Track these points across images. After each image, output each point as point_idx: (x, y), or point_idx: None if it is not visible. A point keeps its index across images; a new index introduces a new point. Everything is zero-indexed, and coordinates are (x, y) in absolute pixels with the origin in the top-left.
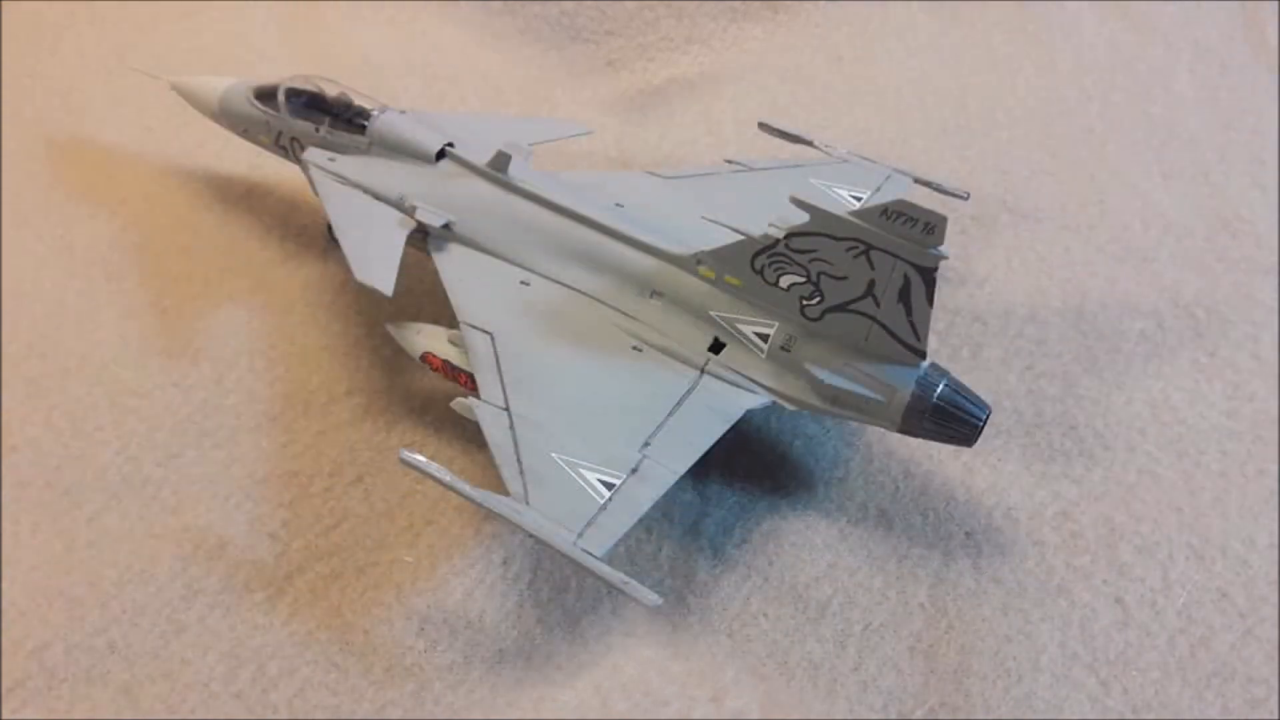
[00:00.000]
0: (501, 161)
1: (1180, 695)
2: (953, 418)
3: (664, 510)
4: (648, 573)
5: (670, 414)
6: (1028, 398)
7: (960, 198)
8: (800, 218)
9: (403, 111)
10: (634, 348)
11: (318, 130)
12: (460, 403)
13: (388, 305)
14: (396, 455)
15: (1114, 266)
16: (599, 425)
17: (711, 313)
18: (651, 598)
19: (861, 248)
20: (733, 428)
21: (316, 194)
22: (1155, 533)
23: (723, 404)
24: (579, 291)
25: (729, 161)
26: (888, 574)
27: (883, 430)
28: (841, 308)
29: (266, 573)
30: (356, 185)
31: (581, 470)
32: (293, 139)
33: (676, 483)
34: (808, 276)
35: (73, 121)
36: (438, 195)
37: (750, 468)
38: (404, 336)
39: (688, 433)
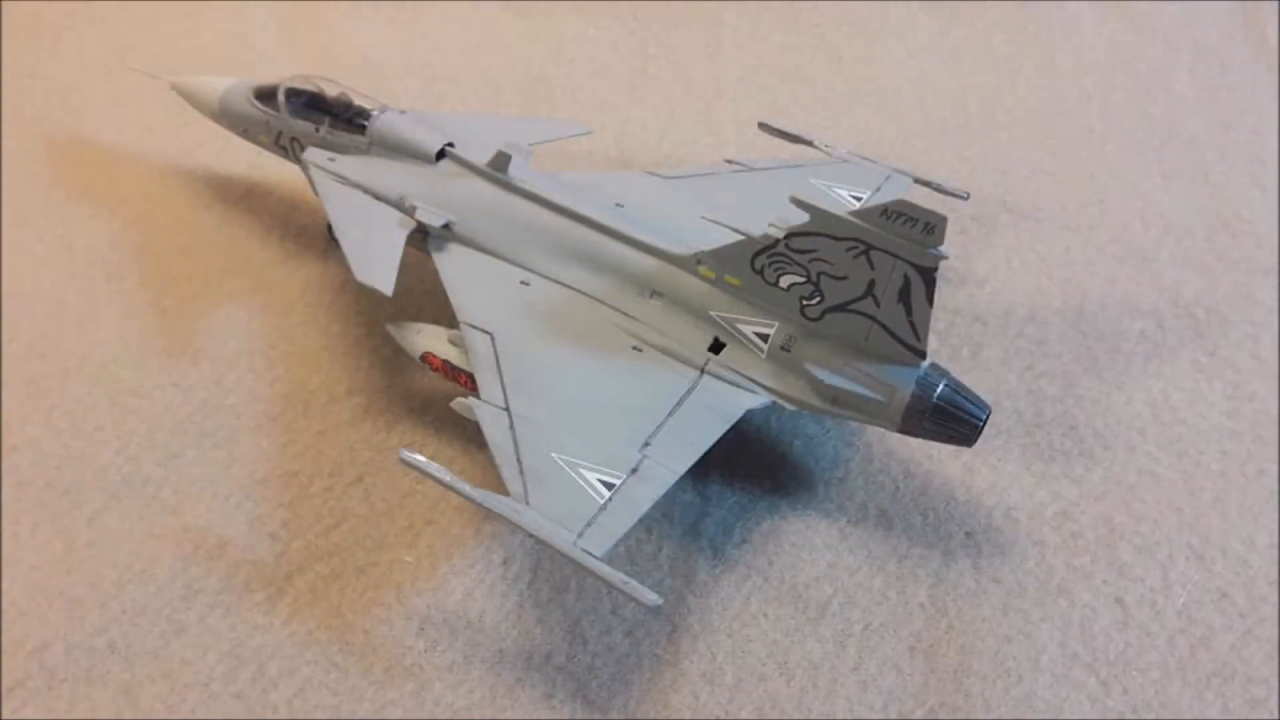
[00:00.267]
0: (501, 161)
1: (1180, 695)
2: (953, 418)
3: (664, 510)
4: (648, 573)
5: (670, 414)
6: (1028, 398)
7: (960, 198)
8: (800, 218)
9: (403, 111)
10: (634, 348)
11: (318, 130)
12: (460, 403)
13: (388, 305)
14: (396, 455)
15: (1114, 266)
16: (599, 425)
17: (711, 313)
18: (651, 598)
19: (861, 248)
20: (733, 428)
21: (316, 194)
22: (1155, 533)
23: (723, 404)
24: (579, 291)
25: (729, 161)
26: (888, 574)
27: (883, 430)
28: (841, 308)
29: (266, 573)
30: (356, 185)
31: (581, 470)
32: (293, 139)
33: (676, 483)
34: (808, 276)
35: (73, 121)
36: (438, 195)
37: (750, 468)
38: (404, 336)
39: (688, 433)
